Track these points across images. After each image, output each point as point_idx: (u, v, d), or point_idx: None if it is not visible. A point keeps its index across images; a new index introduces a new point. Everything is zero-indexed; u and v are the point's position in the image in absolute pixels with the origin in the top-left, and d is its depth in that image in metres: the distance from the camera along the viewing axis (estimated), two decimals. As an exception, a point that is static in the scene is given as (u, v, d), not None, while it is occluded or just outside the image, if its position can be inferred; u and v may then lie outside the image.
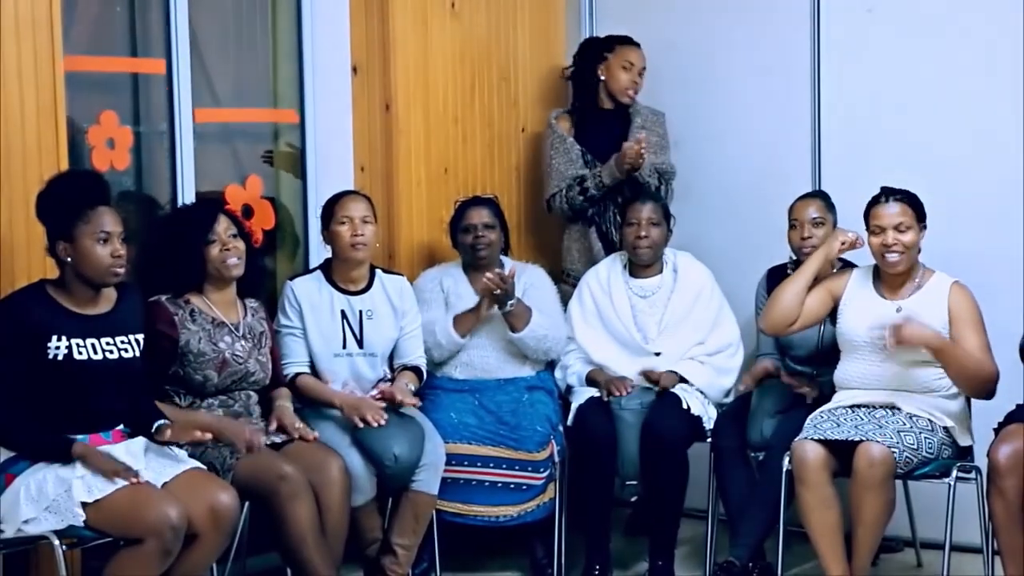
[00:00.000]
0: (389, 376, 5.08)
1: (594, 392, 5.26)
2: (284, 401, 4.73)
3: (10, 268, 4.35)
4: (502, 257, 5.39)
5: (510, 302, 5.21)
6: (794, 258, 5.22)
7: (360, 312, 5.00)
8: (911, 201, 4.77)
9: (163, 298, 4.52)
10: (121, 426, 4.15)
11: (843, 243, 4.81)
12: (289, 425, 4.63)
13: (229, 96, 5.41)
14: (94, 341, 4.10)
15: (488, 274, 5.15)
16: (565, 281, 5.69)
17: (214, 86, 5.31)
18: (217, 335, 4.56)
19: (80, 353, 4.06)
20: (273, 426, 4.64)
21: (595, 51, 5.85)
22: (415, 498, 4.85)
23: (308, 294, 4.98)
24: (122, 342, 4.16)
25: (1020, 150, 5.29)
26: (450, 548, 5.18)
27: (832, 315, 4.91)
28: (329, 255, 5.07)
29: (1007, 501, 4.45)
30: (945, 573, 4.64)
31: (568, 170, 5.72)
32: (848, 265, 5.09)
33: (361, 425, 4.74)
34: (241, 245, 4.59)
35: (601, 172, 5.62)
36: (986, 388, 4.71)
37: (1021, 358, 4.64)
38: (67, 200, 4.09)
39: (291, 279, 5.06)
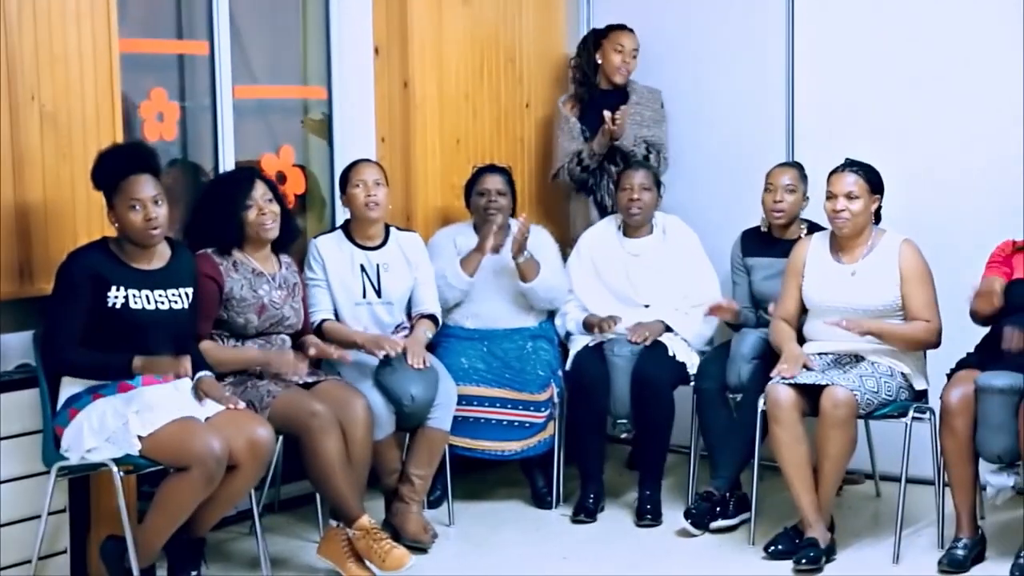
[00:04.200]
0: (406, 323, 5.12)
1: (590, 340, 5.30)
2: (315, 341, 4.76)
3: (73, 229, 4.41)
4: (510, 219, 5.44)
5: (526, 252, 5.28)
6: (765, 220, 5.26)
7: (377, 265, 5.04)
8: (867, 173, 4.80)
9: (209, 250, 4.58)
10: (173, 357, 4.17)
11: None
12: (326, 351, 4.68)
13: (264, 74, 5.42)
14: (148, 292, 4.16)
15: (498, 218, 5.25)
16: (571, 246, 5.72)
17: (251, 65, 5.33)
18: (257, 283, 4.61)
19: (136, 303, 4.13)
20: (312, 352, 4.66)
21: (593, 39, 5.89)
22: (430, 434, 4.90)
23: (330, 250, 5.02)
24: (173, 295, 4.23)
25: (990, 122, 5.32)
26: (460, 478, 5.27)
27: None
28: (349, 216, 5.14)
29: (957, 438, 4.52)
30: (901, 502, 4.69)
31: (570, 146, 5.79)
32: (813, 228, 5.14)
33: (381, 356, 4.80)
34: (276, 208, 4.63)
35: (593, 144, 5.70)
36: (929, 346, 4.80)
37: (972, 320, 4.70)
38: (108, 171, 4.16)
39: (315, 237, 5.10)
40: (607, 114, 5.59)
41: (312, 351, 4.69)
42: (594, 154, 5.70)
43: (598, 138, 5.68)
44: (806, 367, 4.73)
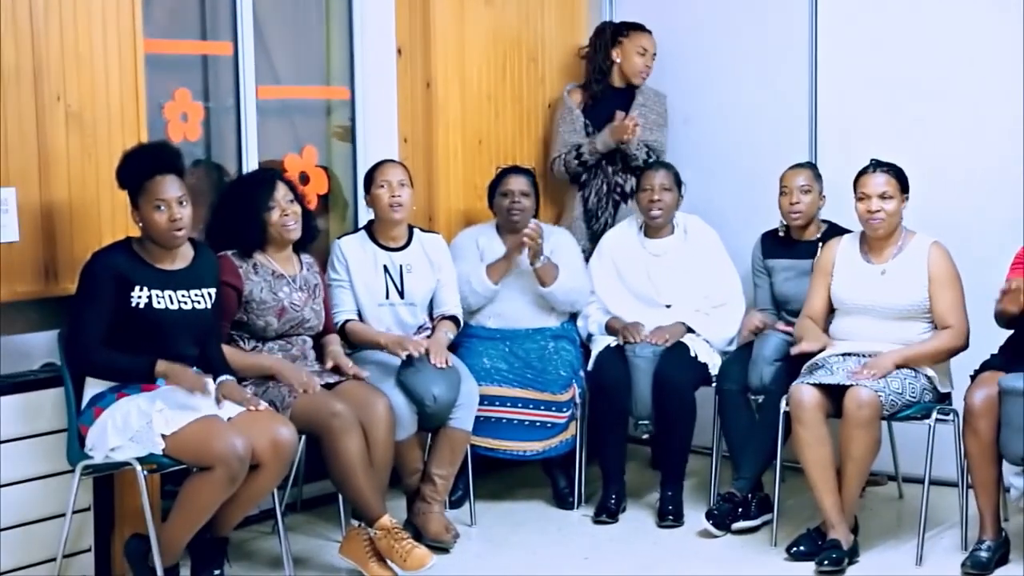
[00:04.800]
0: (429, 324, 5.12)
1: (612, 341, 5.29)
2: (336, 346, 4.77)
3: (97, 228, 4.42)
4: (532, 220, 5.39)
5: (542, 257, 5.27)
6: (784, 223, 5.25)
7: (400, 266, 5.03)
8: (896, 173, 4.80)
9: (230, 253, 4.58)
10: (195, 368, 4.20)
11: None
12: (344, 365, 4.68)
13: (288, 75, 5.42)
14: (171, 293, 4.17)
15: (527, 230, 5.20)
16: None
17: (275, 66, 5.33)
18: (277, 286, 4.61)
19: (159, 303, 4.14)
20: (329, 364, 4.68)
21: (610, 35, 5.85)
22: (452, 434, 4.89)
23: (353, 251, 5.02)
24: (196, 295, 4.23)
25: (1007, 126, 5.29)
26: (482, 478, 5.26)
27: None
28: (373, 216, 5.13)
29: (980, 440, 4.50)
30: (924, 504, 4.66)
31: (571, 138, 5.76)
32: (838, 232, 5.11)
33: (404, 357, 4.79)
34: (298, 209, 4.63)
35: (596, 140, 5.67)
36: (958, 351, 4.78)
37: (996, 323, 4.67)
38: (133, 172, 4.16)
39: (339, 238, 5.10)
40: (627, 116, 5.57)
41: (330, 363, 4.70)
42: (595, 151, 5.67)
43: (603, 136, 5.66)
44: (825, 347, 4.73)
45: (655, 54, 5.84)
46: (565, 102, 5.86)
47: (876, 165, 4.82)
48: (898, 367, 4.69)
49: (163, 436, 4.04)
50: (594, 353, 5.32)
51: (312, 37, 5.58)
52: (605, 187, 5.70)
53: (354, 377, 4.68)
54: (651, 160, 5.63)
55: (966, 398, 4.57)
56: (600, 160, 5.71)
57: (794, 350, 4.73)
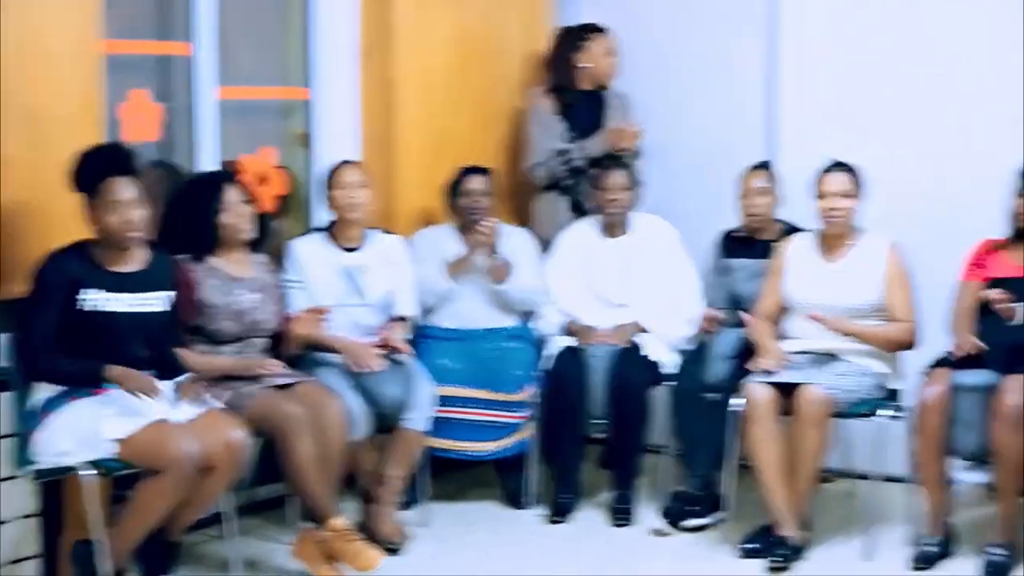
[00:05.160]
0: (384, 325, 5.10)
1: (568, 341, 5.30)
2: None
3: (51, 230, 4.35)
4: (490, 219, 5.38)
5: (495, 255, 5.27)
6: (743, 224, 5.27)
7: (358, 268, 5.04)
8: (854, 172, 4.85)
9: (183, 258, 4.56)
10: (151, 371, 4.19)
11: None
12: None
13: (247, 75, 5.40)
14: (125, 295, 4.16)
15: (480, 226, 5.22)
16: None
17: (233, 66, 5.29)
18: (231, 289, 4.61)
19: (112, 305, 4.13)
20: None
21: (572, 38, 5.84)
22: (406, 435, 4.89)
23: (310, 252, 5.02)
24: (150, 298, 4.23)
25: (963, 126, 5.34)
26: (435, 479, 5.26)
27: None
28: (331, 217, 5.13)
29: (929, 437, 4.55)
30: (874, 500, 4.72)
31: (551, 144, 5.73)
32: (796, 232, 5.13)
33: (356, 370, 4.80)
34: (251, 211, 4.63)
35: (587, 144, 5.65)
36: (907, 347, 4.82)
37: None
38: (87, 173, 4.15)
39: (296, 239, 5.11)
40: (628, 123, 5.61)
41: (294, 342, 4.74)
42: (588, 156, 5.68)
43: (597, 141, 5.66)
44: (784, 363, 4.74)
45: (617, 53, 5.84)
46: (537, 107, 5.84)
47: (836, 164, 4.86)
48: (851, 334, 4.76)
49: (114, 440, 4.04)
50: (550, 353, 5.32)
51: (271, 37, 5.57)
52: (591, 186, 5.69)
53: (394, 349, 4.80)
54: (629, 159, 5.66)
55: (918, 394, 4.60)
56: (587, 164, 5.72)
57: (751, 365, 4.74)
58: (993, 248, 4.79)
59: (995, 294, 4.53)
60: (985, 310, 4.65)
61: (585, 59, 5.81)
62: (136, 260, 4.25)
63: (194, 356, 4.52)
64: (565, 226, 5.64)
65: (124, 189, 4.13)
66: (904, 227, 5.02)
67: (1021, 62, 5.24)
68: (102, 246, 4.19)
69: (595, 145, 5.66)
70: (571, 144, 5.72)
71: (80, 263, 4.14)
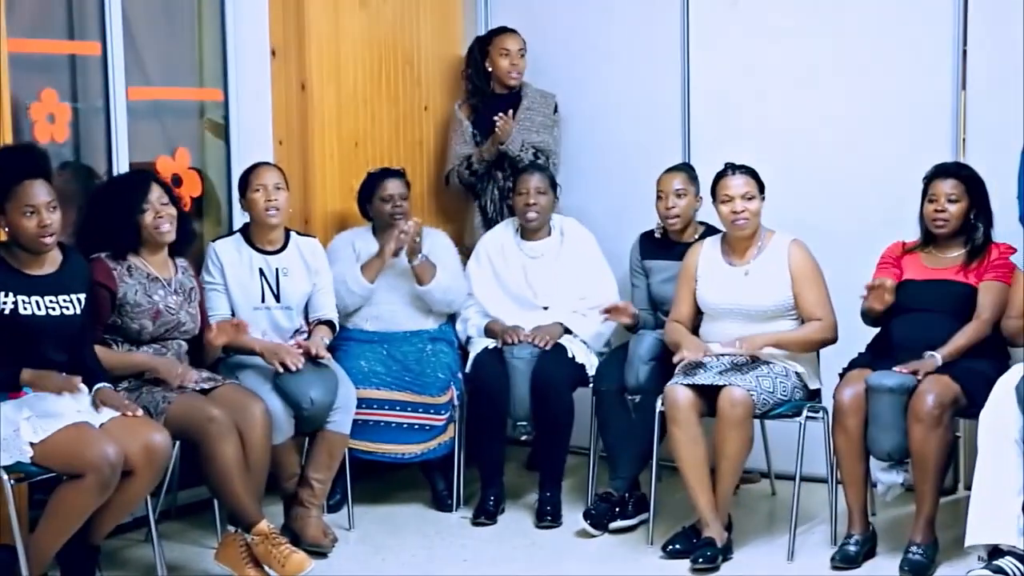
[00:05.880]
0: (305, 328, 5.08)
1: (490, 343, 5.30)
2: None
3: None
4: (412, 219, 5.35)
5: (420, 255, 5.26)
6: (661, 226, 5.31)
7: (276, 270, 5.00)
8: (753, 174, 4.88)
9: (103, 255, 4.50)
10: (64, 375, 4.12)
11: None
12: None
13: (159, 76, 5.34)
14: (39, 299, 4.09)
15: (403, 225, 5.19)
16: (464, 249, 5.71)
17: (145, 66, 5.25)
18: (152, 288, 4.55)
19: (25, 308, 4.06)
20: (314, 351, 4.81)
21: (480, 46, 5.87)
22: (329, 437, 4.86)
23: (228, 254, 4.98)
24: (65, 300, 4.16)
25: (874, 126, 5.40)
26: (360, 482, 5.23)
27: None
28: (248, 219, 5.08)
29: (849, 437, 4.59)
30: (796, 500, 4.74)
31: (461, 150, 5.78)
32: (715, 233, 5.15)
33: (281, 370, 4.75)
34: (173, 211, 4.57)
35: (482, 150, 5.70)
36: (827, 343, 4.87)
37: (863, 320, 4.80)
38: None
39: (213, 241, 5.06)
40: (499, 116, 5.60)
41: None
42: (483, 160, 5.70)
43: (487, 144, 5.69)
44: (706, 355, 4.76)
45: (522, 49, 5.83)
46: (456, 115, 5.87)
47: (733, 167, 4.89)
48: (770, 346, 4.76)
49: (31, 444, 3.97)
50: (472, 355, 5.32)
51: (184, 37, 5.51)
52: (498, 193, 5.72)
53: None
54: (536, 160, 5.66)
55: (835, 396, 4.66)
56: (490, 168, 5.72)
57: (676, 358, 4.77)
58: (904, 251, 4.88)
59: (914, 370, 4.53)
60: (897, 310, 4.71)
61: (488, 63, 5.83)
62: (50, 263, 4.18)
63: (110, 353, 4.45)
64: (479, 229, 5.68)
65: (39, 192, 4.07)
66: (809, 228, 5.07)
67: (947, 69, 5.30)
68: (14, 249, 4.11)
69: (486, 149, 5.69)
70: (475, 149, 5.74)
71: None
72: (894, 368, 4.55)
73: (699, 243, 5.06)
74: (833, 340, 4.87)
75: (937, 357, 4.57)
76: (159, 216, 4.54)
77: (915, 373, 4.52)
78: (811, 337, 4.84)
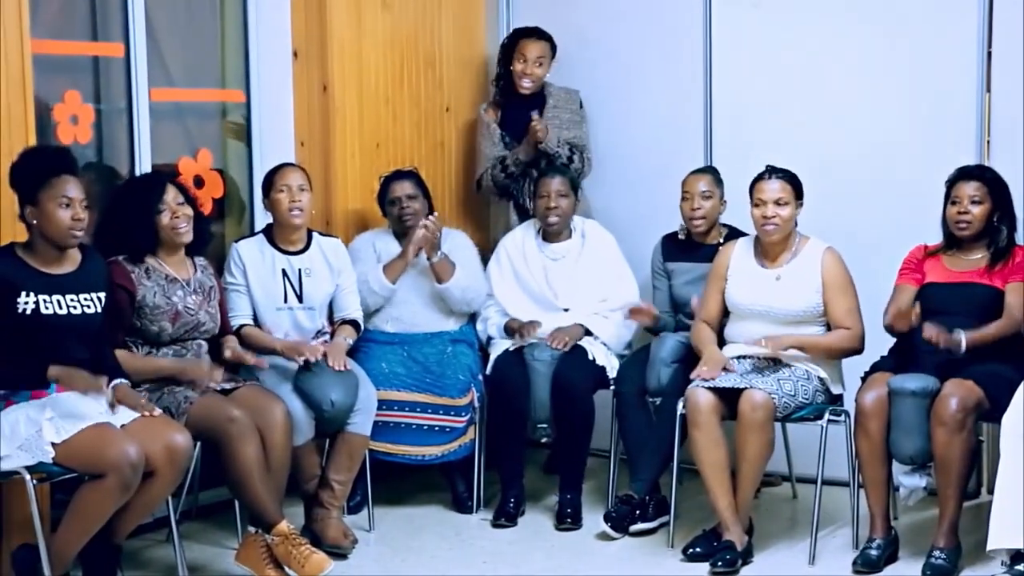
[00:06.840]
0: (327, 328, 5.10)
1: (510, 345, 5.29)
2: (233, 342, 4.74)
3: None
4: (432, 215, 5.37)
5: (439, 252, 5.28)
6: (684, 227, 5.30)
7: (299, 270, 5.02)
8: (791, 179, 4.86)
9: (120, 258, 4.52)
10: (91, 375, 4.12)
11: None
12: (242, 357, 4.66)
13: (181, 77, 5.36)
14: (59, 297, 4.11)
15: (425, 221, 5.21)
16: (492, 251, 5.68)
17: (168, 68, 5.27)
18: (170, 290, 4.56)
19: (47, 308, 4.08)
20: (227, 354, 4.66)
21: (505, 47, 5.85)
22: (350, 439, 4.87)
23: (251, 255, 5.00)
24: (85, 299, 4.18)
25: (900, 133, 5.39)
26: (381, 483, 5.24)
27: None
28: (270, 220, 5.10)
29: (871, 440, 4.59)
30: (817, 504, 4.73)
31: (492, 152, 5.77)
32: (739, 236, 5.15)
33: (301, 362, 4.77)
34: (189, 212, 4.58)
35: (518, 152, 5.69)
36: (852, 353, 4.86)
37: (886, 331, 4.77)
38: (34, 169, 4.11)
39: (236, 241, 5.07)
40: (534, 115, 5.59)
41: (228, 353, 4.66)
42: (519, 161, 5.69)
43: (523, 146, 5.67)
44: (726, 370, 4.75)
45: (541, 57, 5.78)
46: (482, 119, 5.86)
47: (771, 171, 4.88)
48: (793, 348, 4.75)
49: (53, 444, 3.98)
50: (493, 357, 5.33)
51: (206, 39, 5.53)
52: (535, 191, 5.69)
53: (256, 365, 4.67)
54: (572, 156, 5.65)
55: (857, 399, 4.65)
56: (525, 168, 5.72)
57: (693, 374, 4.76)
58: (927, 254, 4.86)
59: (934, 334, 4.51)
60: (925, 313, 4.68)
61: (512, 65, 5.81)
62: (69, 262, 4.20)
63: (131, 356, 4.47)
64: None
65: (74, 187, 4.10)
66: (835, 233, 5.05)
67: (971, 71, 5.29)
68: (35, 248, 4.13)
69: (522, 149, 5.68)
70: (507, 151, 5.74)
71: (11, 266, 4.09)
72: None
73: (731, 243, 5.06)
74: (859, 351, 4.86)
75: (963, 337, 4.52)
76: (176, 216, 4.56)
77: (936, 344, 4.48)
78: (837, 345, 4.83)
